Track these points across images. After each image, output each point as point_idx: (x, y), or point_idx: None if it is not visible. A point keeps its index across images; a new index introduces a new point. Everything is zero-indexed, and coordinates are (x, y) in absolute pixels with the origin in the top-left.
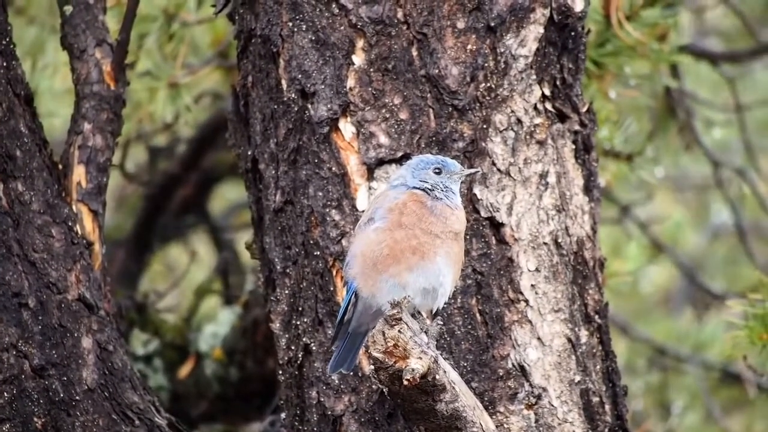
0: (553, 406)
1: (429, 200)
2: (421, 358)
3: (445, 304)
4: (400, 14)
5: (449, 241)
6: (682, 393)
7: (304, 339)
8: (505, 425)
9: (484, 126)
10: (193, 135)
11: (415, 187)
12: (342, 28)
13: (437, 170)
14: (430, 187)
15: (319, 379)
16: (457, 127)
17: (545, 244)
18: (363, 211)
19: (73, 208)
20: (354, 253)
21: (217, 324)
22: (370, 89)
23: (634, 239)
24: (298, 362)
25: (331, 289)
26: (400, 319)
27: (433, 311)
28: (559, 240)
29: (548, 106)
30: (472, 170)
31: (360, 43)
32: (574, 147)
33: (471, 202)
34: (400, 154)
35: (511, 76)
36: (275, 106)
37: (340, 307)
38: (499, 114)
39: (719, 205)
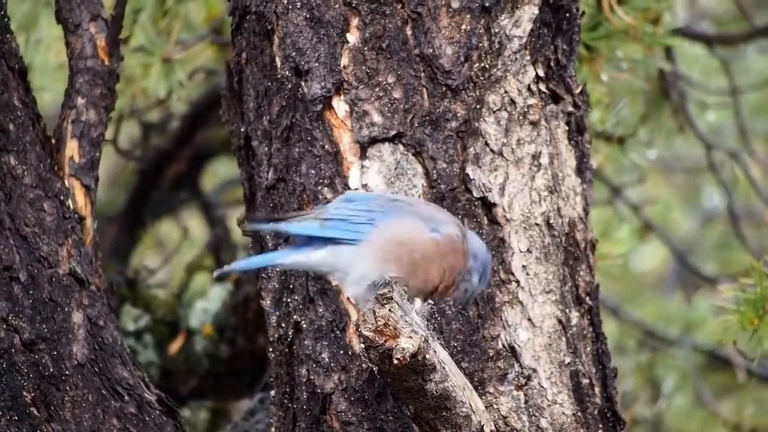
0: (542, 387)
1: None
2: (411, 338)
3: None
4: None
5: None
6: (672, 375)
7: (294, 317)
8: (495, 405)
9: (478, 106)
10: (187, 111)
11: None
12: (337, 6)
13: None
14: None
15: (309, 357)
16: (450, 106)
17: (537, 224)
18: (355, 190)
19: (66, 182)
20: (398, 222)
21: (208, 300)
22: (364, 68)
23: (626, 221)
24: (289, 340)
25: None
26: (391, 298)
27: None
28: (551, 221)
29: (542, 87)
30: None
31: (354, 22)
32: (567, 128)
33: (463, 182)
34: (393, 132)
35: (506, 56)
36: (269, 84)
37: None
38: (493, 94)
39: (711, 188)
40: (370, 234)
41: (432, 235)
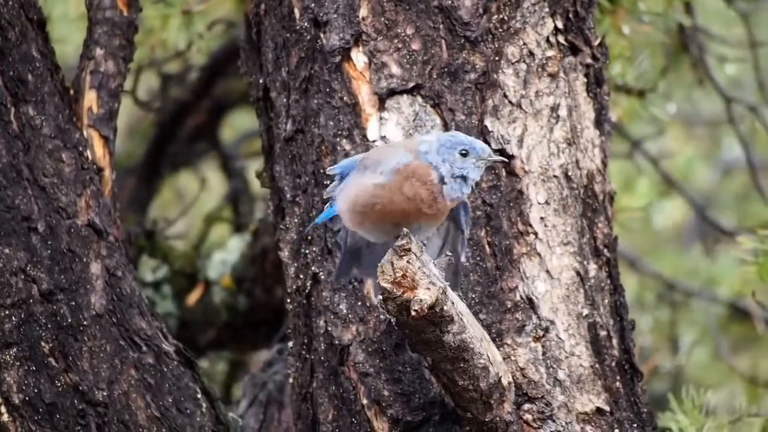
0: (560, 339)
1: (436, 182)
2: (429, 289)
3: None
4: None
5: (432, 220)
6: (691, 329)
7: (312, 268)
8: (512, 357)
9: (496, 58)
10: (206, 62)
11: (431, 163)
12: None
13: (464, 152)
14: (444, 171)
15: (327, 309)
16: (469, 58)
17: (555, 176)
18: (374, 142)
19: (84, 133)
20: (348, 188)
21: (227, 252)
22: (382, 19)
23: (645, 174)
24: (307, 291)
25: None
26: (409, 249)
27: None
28: (569, 173)
29: (560, 38)
30: (499, 159)
31: None
32: (585, 80)
33: (482, 134)
34: (411, 84)
35: (524, 8)
36: (287, 35)
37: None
38: (512, 46)
39: (731, 141)
40: (336, 209)
41: (376, 181)
